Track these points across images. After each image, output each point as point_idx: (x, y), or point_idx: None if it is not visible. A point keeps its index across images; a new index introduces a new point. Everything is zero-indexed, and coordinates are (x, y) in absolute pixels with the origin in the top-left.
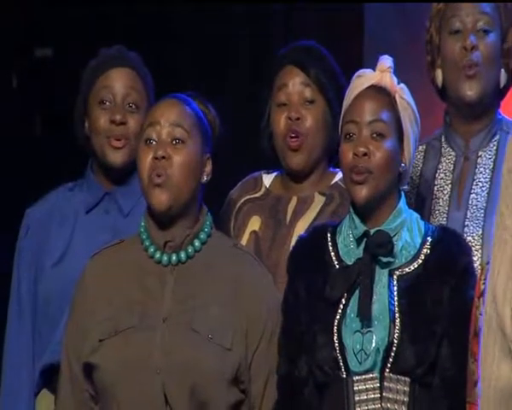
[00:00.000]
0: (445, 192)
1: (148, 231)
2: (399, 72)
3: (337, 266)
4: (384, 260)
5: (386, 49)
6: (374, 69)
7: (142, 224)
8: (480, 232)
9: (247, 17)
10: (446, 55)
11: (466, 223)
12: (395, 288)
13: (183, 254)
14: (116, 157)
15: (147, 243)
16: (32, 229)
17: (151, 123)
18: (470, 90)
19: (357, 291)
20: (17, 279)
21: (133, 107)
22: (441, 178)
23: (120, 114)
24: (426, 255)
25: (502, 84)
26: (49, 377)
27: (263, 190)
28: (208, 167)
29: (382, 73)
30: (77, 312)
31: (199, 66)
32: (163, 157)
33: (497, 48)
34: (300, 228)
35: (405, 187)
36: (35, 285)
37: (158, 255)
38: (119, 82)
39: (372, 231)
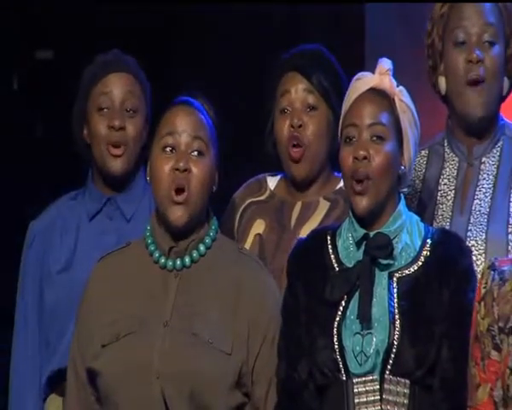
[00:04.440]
0: (449, 198)
1: (154, 235)
2: (401, 73)
3: (337, 269)
4: (384, 262)
5: (387, 50)
6: (374, 72)
7: (148, 228)
8: (484, 237)
9: (249, 18)
10: (450, 66)
11: (469, 228)
12: (395, 290)
13: (187, 259)
14: (116, 165)
15: (152, 248)
16: (37, 240)
17: (170, 132)
18: (475, 108)
19: (356, 293)
20: (22, 290)
21: (131, 112)
22: (445, 184)
23: (119, 119)
24: (426, 257)
25: (504, 92)
26: (57, 383)
27: (267, 192)
28: (217, 177)
29: (381, 75)
30: (82, 317)
31: (199, 67)
32: (185, 170)
33: (501, 59)
34: (304, 233)
35: (405, 190)
36: (40, 295)
37: (163, 260)
38: (116, 87)
39: (372, 234)
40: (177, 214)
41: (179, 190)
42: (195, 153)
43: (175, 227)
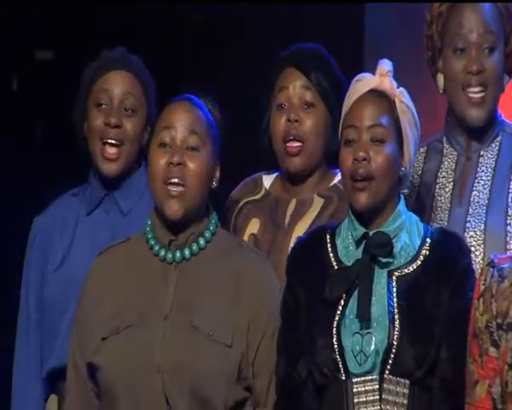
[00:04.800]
0: (447, 190)
1: (154, 229)
2: (401, 73)
3: (336, 268)
4: (383, 260)
5: (387, 49)
6: (374, 71)
7: (149, 222)
8: (482, 227)
9: (248, 17)
10: (449, 73)
11: (468, 219)
12: (394, 289)
13: (187, 252)
14: (109, 168)
15: (152, 242)
16: (39, 237)
17: (166, 126)
18: (476, 116)
19: (356, 292)
20: (26, 287)
21: (130, 111)
22: (443, 177)
23: (115, 117)
24: (425, 256)
25: (504, 88)
26: (55, 383)
27: (263, 191)
28: (217, 174)
29: (382, 77)
30: (82, 311)
31: (200, 66)
32: (179, 163)
33: (501, 63)
34: (299, 231)
35: (405, 190)
36: (41, 292)
37: (162, 253)
38: (116, 85)
39: (371, 233)
40: (173, 209)
41: (174, 184)
42: (191, 148)
43: (171, 221)
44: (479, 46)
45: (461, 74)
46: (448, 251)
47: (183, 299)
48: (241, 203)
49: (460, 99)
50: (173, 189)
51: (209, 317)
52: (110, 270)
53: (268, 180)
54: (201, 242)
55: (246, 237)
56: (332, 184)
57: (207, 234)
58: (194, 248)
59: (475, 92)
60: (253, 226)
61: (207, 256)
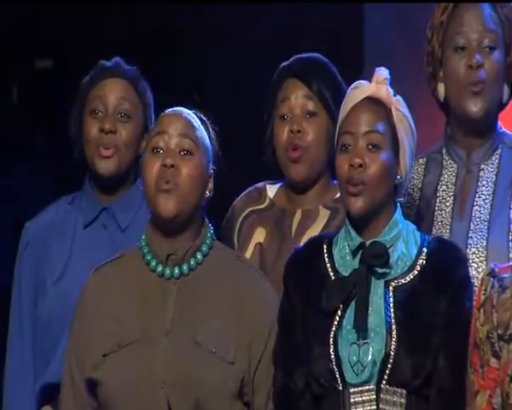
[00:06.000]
0: (448, 204)
1: (150, 244)
2: (400, 75)
3: (333, 278)
4: (380, 271)
5: (385, 50)
6: (372, 71)
7: (143, 237)
8: (484, 244)
9: (249, 18)
10: (451, 72)
11: (470, 234)
12: (391, 299)
13: (185, 267)
14: (104, 166)
15: (148, 257)
16: (32, 243)
17: (159, 132)
18: (475, 107)
19: (353, 303)
20: (17, 294)
21: (125, 116)
22: (443, 191)
23: (110, 123)
24: (422, 266)
25: (504, 100)
26: (51, 395)
27: (267, 201)
28: (211, 184)
29: (378, 84)
30: (79, 326)
31: (200, 68)
32: (172, 166)
33: (501, 64)
34: None
35: (401, 199)
36: (35, 301)
37: (160, 269)
38: (111, 92)
39: (368, 243)
40: (166, 205)
41: (166, 184)
42: (184, 152)
43: (165, 219)
44: (479, 44)
45: (462, 70)
46: (445, 260)
47: (184, 315)
48: (246, 212)
49: (460, 94)
50: (165, 187)
51: (211, 334)
52: (107, 286)
53: (272, 190)
54: (199, 256)
55: (251, 246)
56: (338, 195)
57: (204, 248)
58: (192, 263)
59: (475, 86)
60: (259, 235)
61: (205, 271)
